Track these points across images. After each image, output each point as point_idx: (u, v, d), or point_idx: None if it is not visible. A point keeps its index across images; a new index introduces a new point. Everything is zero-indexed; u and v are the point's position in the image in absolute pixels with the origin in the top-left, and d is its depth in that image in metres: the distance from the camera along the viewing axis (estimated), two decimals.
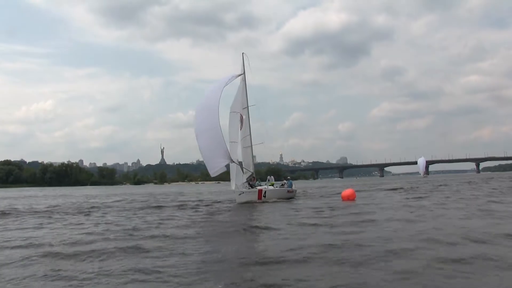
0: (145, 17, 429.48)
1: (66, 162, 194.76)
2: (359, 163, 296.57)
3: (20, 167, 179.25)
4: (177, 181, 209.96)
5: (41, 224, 17.86)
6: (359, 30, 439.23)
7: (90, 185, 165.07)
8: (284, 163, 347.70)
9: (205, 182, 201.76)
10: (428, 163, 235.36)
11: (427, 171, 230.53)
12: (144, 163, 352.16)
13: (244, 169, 31.24)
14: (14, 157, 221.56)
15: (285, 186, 33.92)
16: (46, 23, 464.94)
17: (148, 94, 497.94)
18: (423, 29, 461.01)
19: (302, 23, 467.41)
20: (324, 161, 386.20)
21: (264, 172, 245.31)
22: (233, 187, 30.63)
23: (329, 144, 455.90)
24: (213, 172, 29.78)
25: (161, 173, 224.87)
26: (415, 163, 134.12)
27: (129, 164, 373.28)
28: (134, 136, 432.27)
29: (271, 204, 27.04)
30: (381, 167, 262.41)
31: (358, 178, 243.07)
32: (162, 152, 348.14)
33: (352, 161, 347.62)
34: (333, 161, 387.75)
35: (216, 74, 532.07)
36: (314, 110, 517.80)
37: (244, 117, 31.86)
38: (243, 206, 26.44)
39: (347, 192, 29.19)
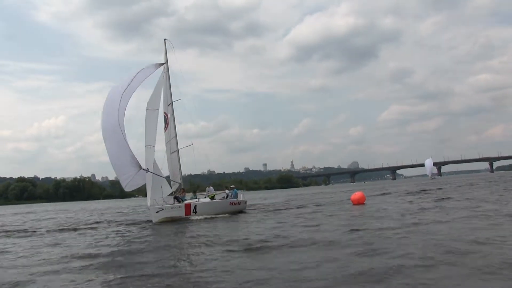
0: (151, 29, 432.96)
1: (78, 177, 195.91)
2: (371, 167, 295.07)
3: (34, 183, 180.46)
4: (189, 192, 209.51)
5: None
6: (367, 33, 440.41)
7: (103, 198, 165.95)
8: (296, 170, 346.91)
9: (217, 192, 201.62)
10: (440, 164, 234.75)
11: (439, 172, 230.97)
12: None
13: (171, 180, 27.12)
14: (27, 174, 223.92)
15: (231, 197, 27.62)
16: (54, 40, 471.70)
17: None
18: (431, 30, 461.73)
19: (309, 28, 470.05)
20: (336, 166, 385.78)
21: (276, 180, 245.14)
22: (148, 203, 24.24)
23: (339, 149, 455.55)
24: (125, 185, 24.05)
25: (195, 184, 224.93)
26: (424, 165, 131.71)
27: None
28: (144, 148, 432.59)
29: (199, 223, 21.96)
30: (393, 170, 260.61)
31: (366, 182, 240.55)
32: None
33: (363, 165, 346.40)
34: (345, 166, 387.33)
35: (223, 83, 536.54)
36: (324, 115, 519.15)
37: (169, 115, 27.20)
38: (159, 229, 20.76)
39: (356, 195, 29.02)
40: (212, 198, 27.13)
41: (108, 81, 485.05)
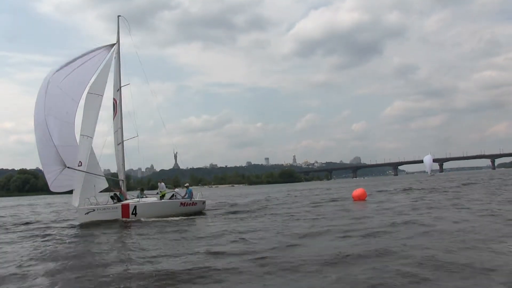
0: (155, 22, 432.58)
1: None
2: (373, 163, 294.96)
3: (36, 175, 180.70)
4: (191, 185, 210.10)
5: None
6: (371, 29, 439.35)
7: (105, 191, 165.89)
8: (298, 165, 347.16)
9: (219, 186, 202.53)
10: (442, 160, 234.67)
11: (441, 169, 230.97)
12: (157, 168, 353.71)
13: (111, 178, 23.50)
14: (30, 166, 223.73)
15: (185, 196, 24.03)
16: (57, 32, 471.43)
17: (161, 99, 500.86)
18: (436, 26, 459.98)
19: (313, 23, 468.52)
20: (338, 161, 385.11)
21: (278, 175, 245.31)
22: (76, 204, 21.14)
23: (342, 145, 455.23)
24: (50, 184, 20.71)
25: (175, 178, 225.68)
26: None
27: (143, 169, 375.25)
28: (147, 141, 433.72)
29: (138, 229, 18.21)
30: (394, 166, 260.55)
31: (365, 178, 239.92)
32: (175, 157, 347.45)
33: (365, 161, 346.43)
34: (347, 161, 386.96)
35: (227, 77, 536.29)
36: (327, 111, 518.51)
37: (117, 102, 23.93)
38: (84, 235, 17.48)
39: (357, 192, 28.98)
40: (162, 197, 23.78)
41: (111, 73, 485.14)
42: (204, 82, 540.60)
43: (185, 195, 24.02)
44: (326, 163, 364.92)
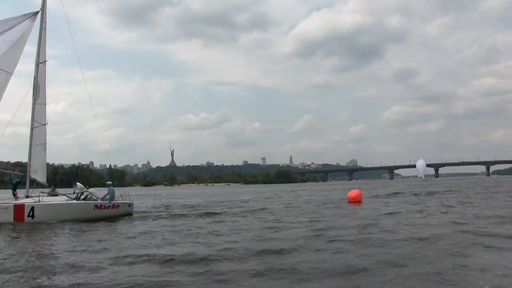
0: (156, 18, 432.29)
1: (76, 164, 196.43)
2: (369, 166, 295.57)
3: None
4: (187, 183, 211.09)
5: None
6: (373, 32, 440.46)
7: (101, 186, 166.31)
8: (294, 165, 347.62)
9: (215, 184, 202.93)
10: (438, 165, 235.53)
11: (436, 174, 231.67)
12: (154, 165, 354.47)
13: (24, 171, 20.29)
14: (25, 158, 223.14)
15: (106, 197, 20.81)
16: (56, 24, 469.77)
17: (159, 96, 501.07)
18: (437, 31, 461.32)
19: (315, 24, 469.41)
20: (334, 163, 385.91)
21: (274, 175, 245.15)
22: None
23: (339, 147, 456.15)
24: None
25: (170, 175, 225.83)
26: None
27: (139, 166, 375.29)
28: (144, 138, 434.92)
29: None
30: (390, 170, 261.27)
31: (358, 180, 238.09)
32: (172, 154, 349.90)
33: (362, 163, 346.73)
34: (343, 163, 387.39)
35: (227, 76, 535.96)
36: (325, 112, 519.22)
37: (39, 81, 20.23)
38: None
39: (353, 193, 29.04)
40: (79, 198, 20.29)
41: (110, 68, 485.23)
42: (203, 80, 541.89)
43: (105, 196, 20.76)
44: (323, 164, 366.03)
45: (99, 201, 20.25)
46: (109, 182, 21.82)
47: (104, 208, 19.64)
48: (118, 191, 22.33)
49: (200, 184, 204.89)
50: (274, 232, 13.61)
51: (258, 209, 23.92)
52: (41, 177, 20.39)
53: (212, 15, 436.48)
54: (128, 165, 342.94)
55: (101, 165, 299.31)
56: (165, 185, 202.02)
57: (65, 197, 19.96)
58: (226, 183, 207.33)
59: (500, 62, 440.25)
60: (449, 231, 12.47)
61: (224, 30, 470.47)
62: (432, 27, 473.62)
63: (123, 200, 21.66)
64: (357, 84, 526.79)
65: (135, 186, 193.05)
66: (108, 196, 20.68)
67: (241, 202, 33.13)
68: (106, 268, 8.59)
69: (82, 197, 20.36)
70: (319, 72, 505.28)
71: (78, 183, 22.88)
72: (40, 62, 20.18)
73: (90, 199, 20.29)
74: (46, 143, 20.54)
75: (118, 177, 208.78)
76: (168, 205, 29.29)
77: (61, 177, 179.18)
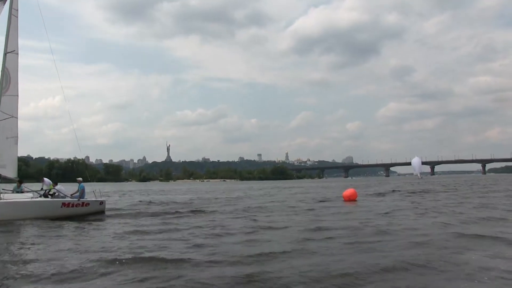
0: (154, 13, 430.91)
1: (72, 159, 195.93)
2: (365, 163, 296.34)
3: (27, 162, 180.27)
4: (183, 179, 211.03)
5: None
6: (370, 29, 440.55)
7: (96, 181, 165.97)
8: (290, 162, 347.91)
9: (211, 180, 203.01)
10: (434, 163, 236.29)
11: (432, 172, 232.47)
12: (150, 160, 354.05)
13: None
14: (21, 153, 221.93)
15: (75, 194, 19.34)
16: (55, 19, 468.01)
17: (157, 92, 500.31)
18: (434, 29, 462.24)
19: (312, 21, 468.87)
20: (330, 160, 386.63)
21: (269, 171, 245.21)
22: None
23: (336, 144, 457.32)
24: None
25: (166, 171, 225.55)
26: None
27: (135, 161, 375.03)
28: (141, 133, 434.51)
29: None
30: (386, 167, 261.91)
31: (353, 178, 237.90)
32: (168, 149, 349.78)
33: (358, 160, 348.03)
34: (339, 160, 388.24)
35: (224, 72, 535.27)
36: (322, 109, 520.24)
37: (10, 71, 18.98)
38: None
39: (348, 192, 29.06)
40: (47, 194, 18.85)
41: (107, 63, 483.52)
42: (201, 75, 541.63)
43: (74, 193, 19.43)
44: (319, 161, 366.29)
45: (68, 198, 18.96)
46: (80, 179, 20.22)
47: (73, 206, 18.63)
48: (93, 187, 21.44)
49: (196, 180, 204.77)
50: (258, 235, 12.68)
51: (244, 208, 22.67)
52: (10, 173, 19.09)
53: (210, 11, 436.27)
54: (124, 160, 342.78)
55: (97, 159, 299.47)
56: (161, 180, 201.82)
57: (31, 194, 18.69)
58: (222, 179, 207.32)
59: (496, 61, 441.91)
60: (441, 232, 12.31)
61: (222, 26, 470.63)
62: (429, 25, 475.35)
63: (95, 197, 20.63)
64: (354, 81, 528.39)
65: (130, 181, 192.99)
66: (77, 194, 19.31)
67: (232, 199, 32.73)
68: (48, 277, 7.69)
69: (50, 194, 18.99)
70: (316, 69, 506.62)
71: (45, 179, 21.50)
72: (7, 52, 18.83)
73: (58, 196, 18.89)
74: (17, 136, 19.49)
75: (113, 172, 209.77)
76: (150, 202, 28.38)
77: (57, 171, 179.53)
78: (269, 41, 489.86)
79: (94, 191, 20.99)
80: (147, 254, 9.43)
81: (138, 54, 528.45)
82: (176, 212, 20.65)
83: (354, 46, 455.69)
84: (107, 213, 20.17)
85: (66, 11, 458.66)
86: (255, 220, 16.69)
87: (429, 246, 10.13)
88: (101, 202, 20.56)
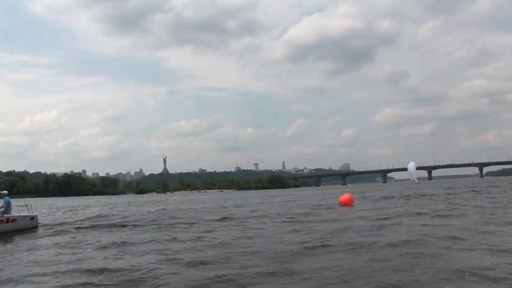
0: (147, 25, 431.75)
1: (69, 173, 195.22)
2: (362, 170, 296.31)
3: (24, 178, 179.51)
4: (180, 190, 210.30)
5: None
6: (364, 35, 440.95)
7: (93, 195, 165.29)
8: (287, 171, 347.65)
9: (208, 190, 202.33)
10: (431, 168, 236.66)
11: (429, 176, 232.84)
12: (146, 172, 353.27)
13: None
14: (17, 167, 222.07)
15: (0, 209, 17.57)
16: (49, 32, 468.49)
17: (152, 103, 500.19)
18: (428, 34, 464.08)
19: (306, 29, 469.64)
20: (327, 168, 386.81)
21: (266, 180, 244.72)
22: None
23: (332, 151, 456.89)
24: None
25: (163, 182, 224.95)
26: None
27: (132, 173, 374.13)
28: (137, 145, 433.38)
29: None
30: (383, 173, 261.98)
31: (349, 185, 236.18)
32: (164, 161, 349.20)
33: (355, 167, 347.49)
34: (336, 168, 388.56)
35: (219, 81, 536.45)
36: (318, 116, 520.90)
37: None
38: None
39: (344, 197, 29.18)
40: None
41: (102, 75, 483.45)
42: (195, 86, 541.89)
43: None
44: (316, 169, 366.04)
45: None
46: (4, 192, 18.40)
47: None
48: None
49: (193, 191, 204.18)
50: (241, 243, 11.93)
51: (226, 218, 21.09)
52: None
53: (202, 21, 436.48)
54: (121, 173, 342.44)
55: (93, 173, 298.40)
56: (158, 192, 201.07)
57: None
58: (219, 190, 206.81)
59: (489, 64, 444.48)
60: (439, 237, 12.14)
61: (215, 36, 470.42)
62: (423, 30, 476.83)
63: (27, 212, 19.08)
64: (349, 88, 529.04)
65: (127, 194, 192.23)
66: (1, 209, 17.49)
67: (220, 208, 32.78)
68: None
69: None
70: (310, 76, 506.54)
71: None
72: None
73: None
74: None
75: (110, 185, 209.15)
76: (105, 215, 26.42)
77: (54, 185, 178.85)
78: (263, 49, 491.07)
79: (26, 205, 19.56)
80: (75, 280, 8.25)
81: (133, 66, 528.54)
82: (137, 225, 18.91)
83: (348, 52, 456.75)
84: (41, 230, 18.23)
85: (60, 25, 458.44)
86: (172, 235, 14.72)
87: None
88: (32, 218, 18.77)
